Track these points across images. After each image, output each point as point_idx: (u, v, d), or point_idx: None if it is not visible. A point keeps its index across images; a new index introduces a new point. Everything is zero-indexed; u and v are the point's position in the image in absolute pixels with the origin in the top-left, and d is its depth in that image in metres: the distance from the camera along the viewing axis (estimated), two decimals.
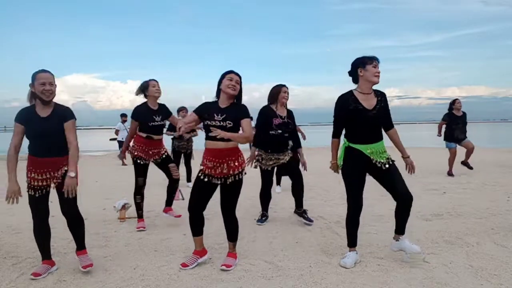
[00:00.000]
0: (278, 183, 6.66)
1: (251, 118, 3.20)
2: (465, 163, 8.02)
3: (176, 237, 4.05)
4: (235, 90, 3.08)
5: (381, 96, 3.16)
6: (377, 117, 3.10)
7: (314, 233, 4.11)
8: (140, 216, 4.48)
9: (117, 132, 12.53)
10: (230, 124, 3.04)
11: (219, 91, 3.14)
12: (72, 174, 2.89)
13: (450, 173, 8.02)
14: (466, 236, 3.87)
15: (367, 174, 3.19)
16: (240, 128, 3.11)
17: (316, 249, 3.59)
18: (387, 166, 3.12)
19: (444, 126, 8.06)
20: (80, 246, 3.16)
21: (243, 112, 3.11)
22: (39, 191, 3.01)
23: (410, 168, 3.25)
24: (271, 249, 3.62)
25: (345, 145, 3.20)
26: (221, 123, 3.04)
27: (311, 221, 4.45)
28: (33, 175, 2.99)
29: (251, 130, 3.12)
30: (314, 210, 5.04)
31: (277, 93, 4.41)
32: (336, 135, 3.25)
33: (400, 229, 3.24)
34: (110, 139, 14.09)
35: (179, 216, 4.50)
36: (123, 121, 12.35)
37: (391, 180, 3.12)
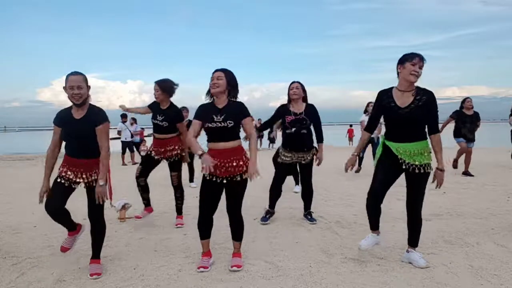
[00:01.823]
0: (298, 182, 6.44)
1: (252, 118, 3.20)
2: (465, 172, 7.97)
3: (176, 237, 4.05)
4: (216, 87, 3.04)
5: (421, 95, 3.00)
6: (410, 117, 2.97)
7: (314, 233, 4.11)
8: (145, 205, 4.56)
9: (119, 133, 12.46)
10: (231, 123, 3.01)
11: (209, 91, 3.14)
12: (101, 182, 2.93)
13: (454, 165, 7.98)
14: (466, 236, 3.87)
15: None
16: (242, 128, 3.11)
17: (316, 249, 3.58)
18: (416, 171, 3.02)
19: (452, 124, 7.97)
20: (96, 254, 3.17)
21: (243, 110, 3.09)
22: (66, 181, 3.00)
23: (438, 181, 3.08)
24: (271, 249, 3.62)
25: (382, 141, 3.20)
26: (222, 123, 3.01)
27: (313, 221, 4.50)
28: (66, 170, 3.01)
29: (252, 130, 3.12)
30: (314, 210, 5.03)
31: (288, 91, 4.48)
32: (367, 128, 3.32)
33: (410, 240, 3.24)
34: (111, 139, 13.94)
35: (181, 224, 4.51)
36: (123, 122, 12.32)
37: (412, 188, 3.10)
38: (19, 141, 35.31)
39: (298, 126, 4.32)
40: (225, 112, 3.04)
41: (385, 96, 3.10)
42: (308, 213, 4.64)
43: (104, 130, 2.98)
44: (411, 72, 2.95)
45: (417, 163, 3.01)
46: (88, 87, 2.98)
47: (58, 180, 3.02)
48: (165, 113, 4.32)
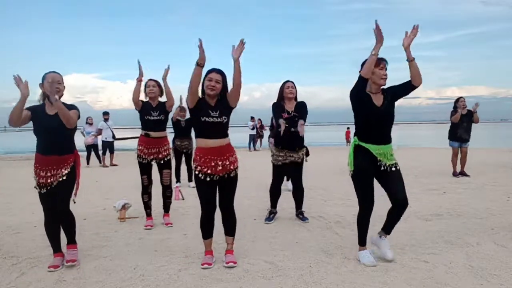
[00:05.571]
0: (289, 179, 6.56)
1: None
2: (461, 172, 8.00)
3: (176, 237, 4.05)
4: (214, 89, 3.08)
5: (385, 92, 3.20)
6: (387, 113, 3.14)
7: (314, 233, 4.11)
8: (148, 214, 4.53)
9: (100, 131, 11.87)
10: (225, 118, 3.11)
11: (203, 89, 3.15)
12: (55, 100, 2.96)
13: (454, 173, 7.96)
14: (466, 236, 3.87)
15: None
16: (230, 91, 3.14)
17: (316, 249, 3.58)
18: (393, 169, 3.17)
19: (448, 125, 7.98)
20: (70, 240, 3.31)
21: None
22: (45, 188, 3.15)
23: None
24: (271, 249, 3.62)
25: (354, 143, 3.21)
26: (219, 119, 3.08)
27: (305, 220, 4.55)
28: (39, 172, 3.13)
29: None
30: (314, 210, 5.04)
31: (281, 90, 4.49)
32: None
33: (387, 229, 3.33)
34: (120, 139, 13.48)
35: (170, 223, 4.51)
36: (105, 119, 11.97)
37: (394, 184, 3.17)
38: (19, 141, 35.31)
39: (291, 124, 4.38)
40: (219, 109, 3.10)
41: (361, 93, 3.13)
42: (299, 213, 4.68)
43: (73, 113, 3.15)
44: (382, 76, 3.11)
45: (390, 163, 3.18)
46: (64, 87, 3.17)
47: (40, 191, 3.16)
48: (158, 108, 4.40)
